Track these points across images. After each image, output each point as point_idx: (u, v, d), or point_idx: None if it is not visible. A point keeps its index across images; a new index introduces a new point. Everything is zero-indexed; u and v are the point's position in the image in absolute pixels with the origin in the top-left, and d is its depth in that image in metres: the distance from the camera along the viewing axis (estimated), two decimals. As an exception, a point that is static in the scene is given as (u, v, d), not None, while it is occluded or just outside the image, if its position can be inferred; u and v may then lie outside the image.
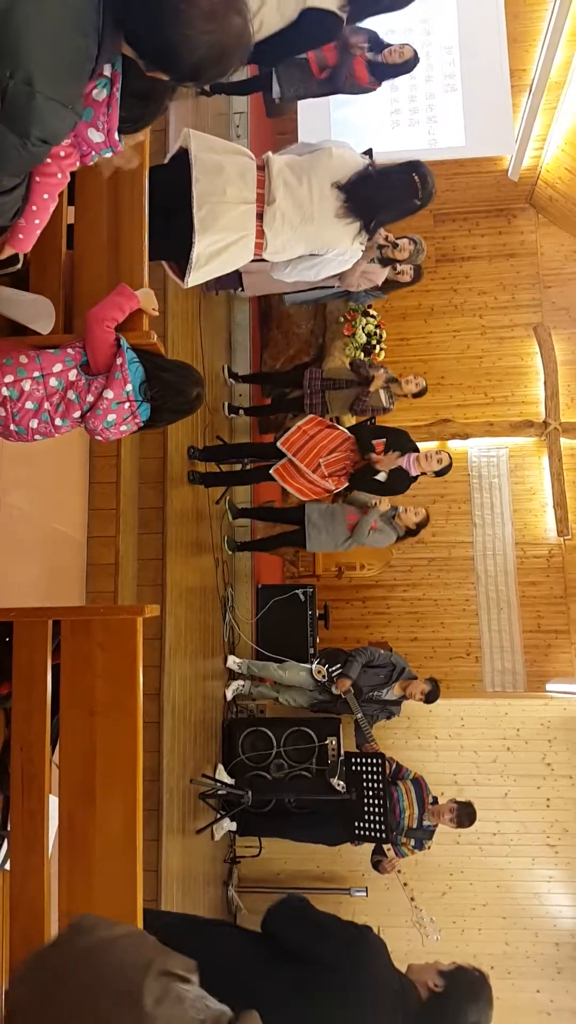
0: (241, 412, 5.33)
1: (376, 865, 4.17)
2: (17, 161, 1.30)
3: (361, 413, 4.68)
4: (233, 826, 4.51)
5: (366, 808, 4.05)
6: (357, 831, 4.10)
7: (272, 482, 4.46)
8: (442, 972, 1.82)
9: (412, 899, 4.14)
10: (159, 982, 0.83)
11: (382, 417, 4.64)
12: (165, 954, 0.89)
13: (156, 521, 3.74)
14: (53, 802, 1.84)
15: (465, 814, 4.07)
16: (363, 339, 6.06)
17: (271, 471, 4.32)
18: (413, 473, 4.27)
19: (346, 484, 4.39)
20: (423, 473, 4.27)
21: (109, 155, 1.57)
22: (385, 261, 4.41)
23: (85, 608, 2.77)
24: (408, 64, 4.14)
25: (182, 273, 2.23)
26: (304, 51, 2.44)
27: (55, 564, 3.12)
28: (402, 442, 4.31)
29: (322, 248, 2.23)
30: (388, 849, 4.07)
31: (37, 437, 1.92)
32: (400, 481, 4.28)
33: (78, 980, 0.84)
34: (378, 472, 4.19)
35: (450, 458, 4.30)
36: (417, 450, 4.33)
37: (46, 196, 1.54)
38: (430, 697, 4.40)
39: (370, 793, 4.03)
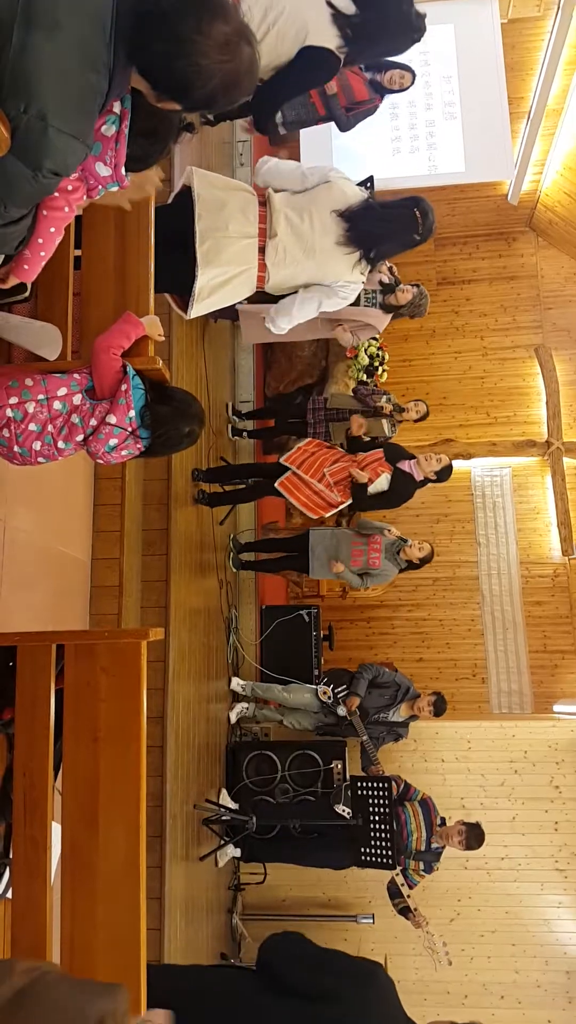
0: (245, 435, 5.36)
1: (404, 913, 3.93)
2: (28, 192, 1.33)
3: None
4: (237, 852, 4.45)
5: (372, 834, 3.99)
6: (363, 857, 4.03)
7: (276, 498, 4.48)
8: None
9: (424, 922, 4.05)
10: None
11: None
12: (98, 996, 0.78)
13: (160, 542, 3.74)
14: (56, 829, 1.83)
15: (473, 836, 4.00)
16: (366, 361, 6.11)
17: (277, 484, 4.35)
18: (418, 478, 4.30)
19: (350, 500, 4.42)
20: (427, 479, 4.30)
21: (115, 189, 1.61)
22: (388, 308, 4.47)
23: (89, 632, 2.77)
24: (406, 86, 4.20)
25: (185, 305, 2.27)
26: (304, 91, 2.43)
27: (59, 586, 3.12)
28: (398, 452, 4.38)
29: (323, 280, 2.27)
30: (403, 886, 3.93)
31: (40, 460, 1.94)
32: (405, 487, 4.31)
33: None
34: (366, 485, 4.22)
35: (450, 460, 4.36)
36: (415, 457, 4.37)
37: (52, 230, 1.58)
38: (438, 708, 4.36)
39: (376, 819, 3.97)
